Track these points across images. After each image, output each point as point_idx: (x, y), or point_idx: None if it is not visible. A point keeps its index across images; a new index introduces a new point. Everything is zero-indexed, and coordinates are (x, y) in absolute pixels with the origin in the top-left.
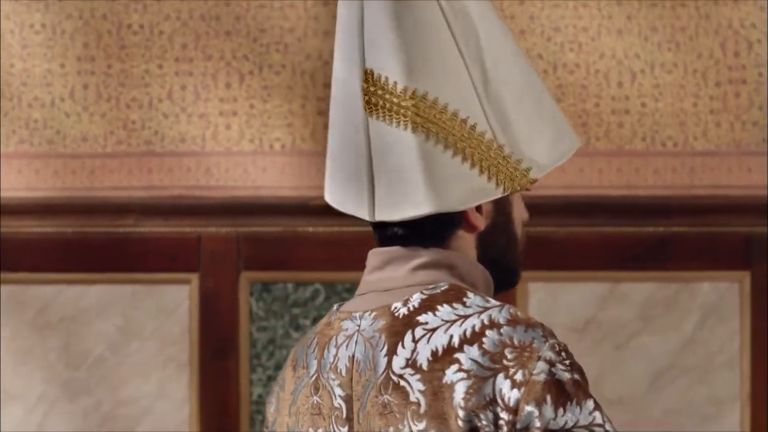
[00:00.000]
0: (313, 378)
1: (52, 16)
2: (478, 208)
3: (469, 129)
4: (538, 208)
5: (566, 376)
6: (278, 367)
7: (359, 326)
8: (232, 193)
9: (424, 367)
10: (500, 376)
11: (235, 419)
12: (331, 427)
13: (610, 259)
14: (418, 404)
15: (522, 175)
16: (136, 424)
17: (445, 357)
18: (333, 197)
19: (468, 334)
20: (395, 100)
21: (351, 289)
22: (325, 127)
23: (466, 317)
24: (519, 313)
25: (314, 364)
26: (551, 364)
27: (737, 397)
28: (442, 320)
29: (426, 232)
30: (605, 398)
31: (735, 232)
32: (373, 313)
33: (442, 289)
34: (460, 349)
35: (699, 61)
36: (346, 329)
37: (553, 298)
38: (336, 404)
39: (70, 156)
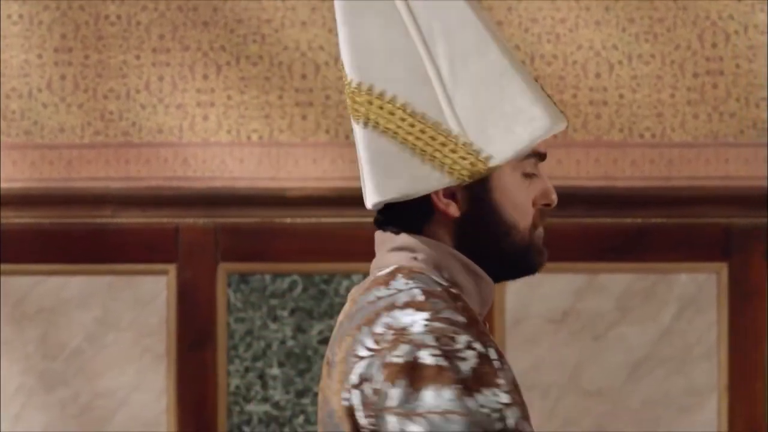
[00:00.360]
0: None
1: (30, 7)
2: (450, 196)
3: (418, 120)
4: None
5: (430, 361)
6: (256, 358)
7: None
8: (209, 184)
9: (342, 347)
10: (377, 358)
11: (213, 410)
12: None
13: (588, 251)
14: (334, 384)
15: (482, 163)
16: (113, 416)
17: (347, 338)
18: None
19: (370, 316)
20: (354, 97)
21: (328, 280)
22: (303, 118)
23: (379, 299)
24: (422, 297)
25: None
26: (418, 347)
27: (715, 388)
28: (366, 302)
29: (400, 219)
30: (583, 389)
31: (712, 224)
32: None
33: (386, 271)
34: (358, 330)
35: (676, 53)
36: None
37: (531, 290)
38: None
39: (47, 147)
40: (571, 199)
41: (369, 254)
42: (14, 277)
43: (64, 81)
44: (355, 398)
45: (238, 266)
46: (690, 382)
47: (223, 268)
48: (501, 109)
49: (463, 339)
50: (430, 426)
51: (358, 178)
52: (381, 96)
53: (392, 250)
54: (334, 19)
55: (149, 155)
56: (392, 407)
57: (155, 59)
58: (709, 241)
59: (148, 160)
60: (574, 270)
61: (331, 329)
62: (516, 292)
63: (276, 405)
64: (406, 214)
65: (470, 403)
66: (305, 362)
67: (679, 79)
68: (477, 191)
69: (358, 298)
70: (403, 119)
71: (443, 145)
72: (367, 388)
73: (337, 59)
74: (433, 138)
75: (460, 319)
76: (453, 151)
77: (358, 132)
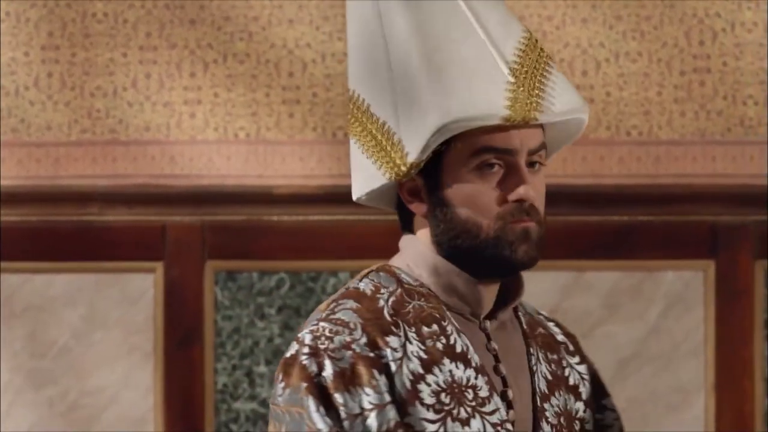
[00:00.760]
0: None
1: (17, 4)
2: (413, 194)
3: (372, 120)
4: None
5: (302, 359)
6: (243, 356)
7: None
8: (196, 182)
9: None
10: None
11: (200, 408)
12: None
13: (575, 248)
14: None
15: (403, 160)
16: (101, 413)
17: None
18: None
19: None
20: (350, 104)
21: (316, 278)
22: (290, 115)
23: None
24: (335, 296)
25: None
26: (299, 345)
27: (702, 386)
28: None
29: (400, 219)
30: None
31: (700, 221)
32: None
33: (365, 271)
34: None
35: (663, 50)
36: None
37: None
38: None
39: (34, 144)
40: (557, 197)
41: (356, 251)
42: (1, 275)
43: (51, 79)
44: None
45: (226, 264)
46: (677, 380)
47: (211, 266)
48: (419, 104)
49: (339, 339)
50: (281, 420)
51: (345, 176)
52: (356, 100)
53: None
54: (322, 17)
55: (136, 153)
56: (271, 399)
57: (142, 57)
58: (696, 239)
59: (135, 158)
60: (561, 268)
61: None
62: None
63: (263, 403)
64: (399, 214)
65: (311, 402)
66: None
67: (666, 76)
68: (431, 188)
69: None
70: (365, 120)
71: (384, 143)
72: None
73: (324, 57)
74: (378, 138)
75: (353, 319)
76: (390, 150)
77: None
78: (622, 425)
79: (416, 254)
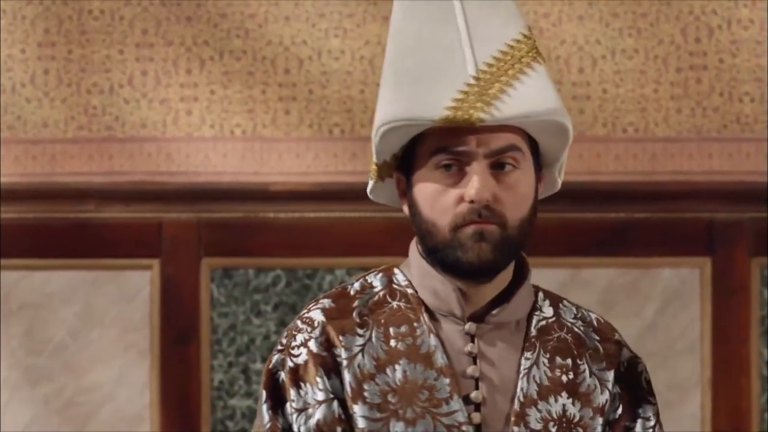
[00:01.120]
0: None
1: (13, 1)
2: (403, 194)
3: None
4: None
5: (273, 355)
6: (239, 353)
7: None
8: (193, 179)
9: None
10: None
11: (196, 405)
12: None
13: (572, 245)
14: None
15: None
16: (97, 410)
17: None
18: None
19: None
20: None
21: (312, 275)
22: (286, 113)
23: None
24: (320, 297)
25: None
26: (278, 342)
27: (698, 383)
28: None
29: None
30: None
31: (696, 218)
32: None
33: (372, 270)
34: None
35: (660, 47)
36: None
37: None
38: None
39: (30, 141)
40: (554, 193)
41: (352, 248)
42: None
43: (48, 76)
44: None
45: (222, 261)
46: (674, 377)
47: (207, 263)
48: (378, 106)
49: (300, 337)
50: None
51: (341, 173)
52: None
53: None
54: (318, 14)
55: (133, 150)
56: None
57: (139, 54)
58: (692, 236)
59: (132, 155)
60: (558, 265)
61: None
62: None
63: None
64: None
65: (263, 396)
66: None
67: (662, 73)
68: (405, 189)
69: None
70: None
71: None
72: None
73: (320, 54)
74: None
75: (318, 318)
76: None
77: None
78: None
79: (411, 255)
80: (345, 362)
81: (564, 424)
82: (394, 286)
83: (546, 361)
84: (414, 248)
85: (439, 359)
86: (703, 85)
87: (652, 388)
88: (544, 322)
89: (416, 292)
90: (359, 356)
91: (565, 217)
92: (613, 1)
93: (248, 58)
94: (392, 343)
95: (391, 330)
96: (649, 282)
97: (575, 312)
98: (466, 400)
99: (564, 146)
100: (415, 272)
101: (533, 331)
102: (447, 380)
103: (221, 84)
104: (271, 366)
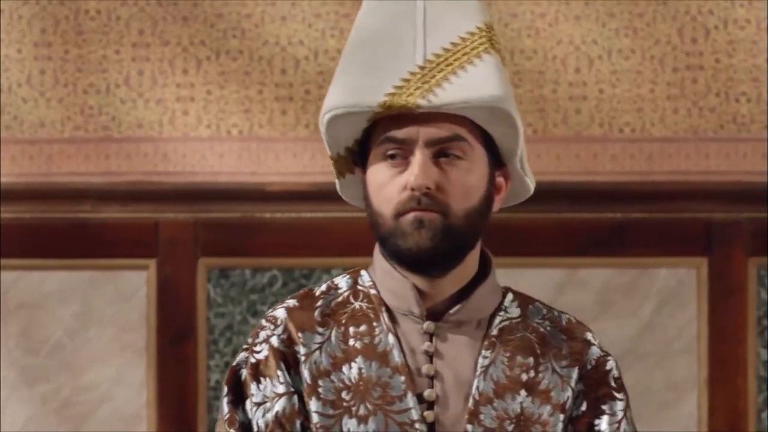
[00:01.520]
0: None
1: (9, 1)
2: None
3: None
4: None
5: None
6: (236, 352)
7: None
8: (189, 179)
9: None
10: None
11: (193, 405)
12: None
13: (568, 245)
14: None
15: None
16: (94, 410)
17: None
18: None
19: None
20: None
21: (308, 275)
22: (283, 113)
23: None
24: (289, 297)
25: None
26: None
27: (695, 383)
28: None
29: None
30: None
31: (693, 219)
32: None
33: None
34: None
35: (656, 47)
36: None
37: (511, 284)
38: None
39: (27, 142)
40: (551, 194)
41: (349, 248)
42: None
43: (44, 76)
44: None
45: (219, 261)
46: (670, 377)
47: (204, 263)
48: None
49: (263, 334)
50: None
51: None
52: None
53: None
54: (314, 14)
55: (129, 150)
56: None
57: (135, 54)
58: (689, 236)
59: (128, 155)
60: (554, 265)
61: None
62: None
63: None
64: None
65: (225, 390)
66: None
67: (659, 74)
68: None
69: None
70: None
71: None
72: None
73: (317, 54)
74: None
75: (282, 316)
76: None
77: None
78: None
79: (374, 256)
80: (303, 358)
81: (522, 422)
82: (359, 287)
83: (505, 359)
84: (377, 248)
85: (396, 357)
86: (699, 85)
87: (622, 384)
88: (507, 322)
89: (378, 292)
90: (316, 353)
91: (562, 217)
92: (609, 1)
93: (245, 58)
94: (351, 342)
95: (351, 329)
96: (647, 282)
97: (545, 313)
98: (421, 398)
99: (515, 137)
100: (377, 272)
101: (494, 330)
102: (402, 378)
103: (218, 84)
104: (235, 363)
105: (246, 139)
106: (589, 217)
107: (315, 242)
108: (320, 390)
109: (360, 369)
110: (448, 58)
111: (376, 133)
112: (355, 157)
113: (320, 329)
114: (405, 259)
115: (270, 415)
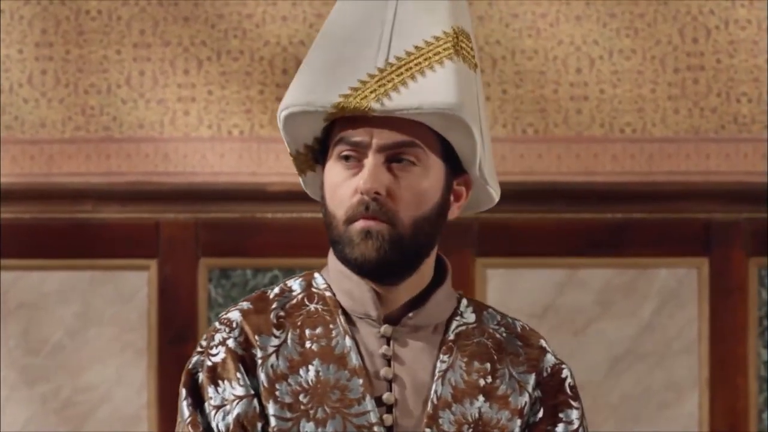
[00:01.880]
0: None
1: (10, 2)
2: None
3: None
4: None
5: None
6: None
7: None
8: (190, 179)
9: None
10: None
11: None
12: None
13: (569, 245)
14: None
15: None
16: (94, 410)
17: None
18: None
19: None
20: None
21: None
22: None
23: None
24: (242, 299)
25: None
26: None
27: (695, 383)
28: None
29: None
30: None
31: (693, 219)
32: None
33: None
34: None
35: (657, 48)
36: None
37: (511, 285)
38: None
39: (28, 142)
40: (551, 194)
41: None
42: None
43: (45, 76)
44: None
45: (219, 261)
46: (670, 377)
47: (204, 263)
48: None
49: (219, 336)
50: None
51: None
52: None
53: None
54: (315, 14)
55: (130, 150)
56: None
57: (136, 54)
58: (689, 236)
59: (129, 155)
60: (555, 265)
61: None
62: (496, 288)
63: None
64: None
65: (183, 393)
66: None
67: (659, 74)
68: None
69: None
70: None
71: None
72: None
73: None
74: None
75: (236, 318)
76: None
77: None
78: None
79: (329, 258)
80: (260, 361)
81: (480, 427)
82: (313, 289)
83: (463, 365)
84: (332, 251)
85: (353, 360)
86: (700, 86)
87: (577, 393)
88: (463, 327)
89: (334, 295)
90: (273, 357)
91: (562, 218)
92: (610, 1)
93: (246, 59)
94: (307, 344)
95: (307, 332)
96: (647, 282)
97: (499, 319)
98: (379, 401)
99: (472, 146)
100: (332, 275)
101: (451, 335)
102: (360, 381)
103: (219, 84)
104: (190, 367)
105: (247, 139)
106: (589, 217)
107: (316, 242)
108: (277, 393)
109: (317, 371)
110: (410, 62)
111: (334, 133)
112: (316, 155)
113: (276, 332)
114: (351, 268)
115: (230, 418)
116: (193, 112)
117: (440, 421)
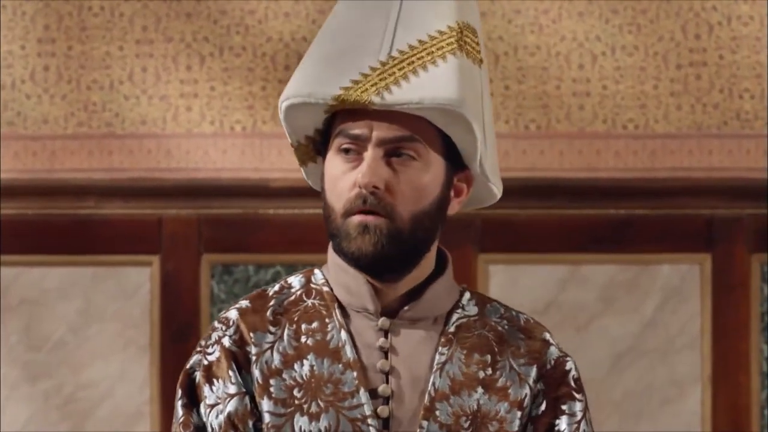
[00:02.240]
0: None
1: None
2: None
3: None
4: None
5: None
6: None
7: None
8: (192, 175)
9: None
10: None
11: None
12: None
13: (571, 242)
14: None
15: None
16: (96, 407)
17: None
18: None
19: None
20: None
21: None
22: None
23: None
24: (239, 299)
25: None
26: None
27: (698, 379)
28: None
29: None
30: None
31: (695, 215)
32: None
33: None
34: None
35: (660, 44)
36: None
37: (514, 281)
38: None
39: (30, 138)
40: (553, 190)
41: None
42: None
43: (48, 72)
44: None
45: (222, 257)
46: (673, 373)
47: (207, 260)
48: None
49: (215, 335)
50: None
51: None
52: None
53: None
54: (317, 11)
55: (132, 146)
56: None
57: (138, 50)
58: (692, 233)
59: (132, 152)
60: (557, 261)
61: None
62: (499, 284)
63: None
64: None
65: (179, 393)
66: None
67: (662, 70)
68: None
69: None
70: None
71: None
72: None
73: None
74: None
75: (234, 317)
76: None
77: None
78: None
79: (328, 253)
80: (254, 358)
81: (478, 419)
82: (312, 285)
83: (462, 357)
84: (331, 246)
85: (348, 353)
86: (703, 82)
87: (581, 385)
88: (465, 320)
89: (331, 290)
90: (268, 353)
91: (565, 214)
92: None
93: (248, 55)
94: (302, 339)
95: (303, 327)
96: (649, 278)
97: (502, 312)
98: (374, 393)
99: (473, 142)
100: (331, 269)
101: (451, 328)
102: (354, 374)
103: (221, 80)
104: (188, 366)
105: (249, 135)
106: (591, 214)
107: (318, 238)
108: (272, 389)
109: (311, 366)
110: (412, 56)
111: (334, 125)
112: (318, 146)
113: (272, 328)
114: (348, 261)
115: (223, 416)
116: (195, 108)
117: (437, 413)
